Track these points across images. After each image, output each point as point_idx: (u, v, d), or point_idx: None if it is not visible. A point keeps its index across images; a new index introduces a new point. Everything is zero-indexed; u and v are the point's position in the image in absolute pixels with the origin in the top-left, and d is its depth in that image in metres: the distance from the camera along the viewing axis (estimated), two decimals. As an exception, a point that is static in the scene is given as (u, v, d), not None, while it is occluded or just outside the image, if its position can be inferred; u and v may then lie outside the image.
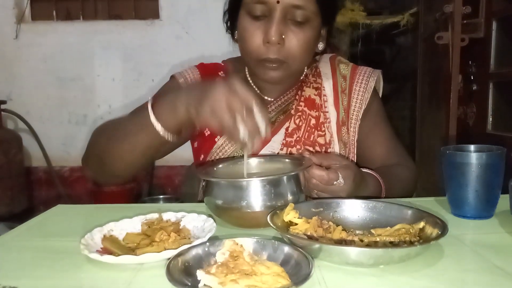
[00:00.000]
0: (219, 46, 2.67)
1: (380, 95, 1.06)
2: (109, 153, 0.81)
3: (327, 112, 0.99)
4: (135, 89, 2.77)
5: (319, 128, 0.97)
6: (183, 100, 0.70)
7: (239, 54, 0.98)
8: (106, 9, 2.85)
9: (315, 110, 0.98)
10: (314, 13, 0.88)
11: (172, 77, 1.03)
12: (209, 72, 1.04)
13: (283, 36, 0.86)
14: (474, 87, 2.17)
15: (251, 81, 1.02)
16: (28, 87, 2.78)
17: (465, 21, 2.03)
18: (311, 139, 0.96)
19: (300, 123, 0.97)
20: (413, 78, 2.80)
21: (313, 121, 0.98)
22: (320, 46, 0.97)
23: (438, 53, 2.21)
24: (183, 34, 2.75)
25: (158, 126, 0.72)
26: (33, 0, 2.81)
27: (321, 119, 0.98)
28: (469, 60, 2.17)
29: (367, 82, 1.01)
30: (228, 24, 0.99)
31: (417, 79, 2.63)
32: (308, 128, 0.97)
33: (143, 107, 0.76)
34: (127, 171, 0.84)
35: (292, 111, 0.98)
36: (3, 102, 2.55)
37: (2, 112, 2.51)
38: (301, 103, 0.99)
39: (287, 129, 0.97)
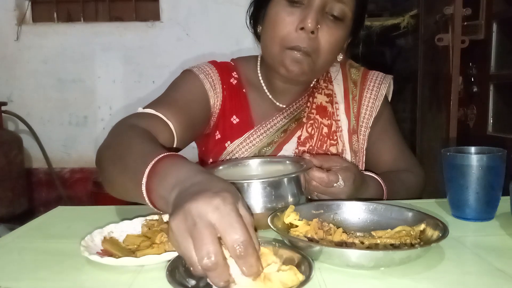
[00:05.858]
0: (220, 48, 2.70)
1: (390, 99, 1.05)
2: (113, 181, 0.72)
3: (339, 120, 0.97)
4: (136, 90, 2.77)
5: (331, 137, 0.95)
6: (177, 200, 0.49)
7: (242, 55, 0.96)
8: (107, 11, 2.86)
9: (327, 118, 0.96)
10: (351, 11, 0.86)
11: (189, 71, 0.95)
12: (223, 71, 0.98)
13: (318, 26, 0.83)
14: (475, 89, 2.17)
15: (264, 85, 0.98)
16: (29, 89, 2.78)
17: (465, 23, 2.04)
18: (324, 148, 0.94)
19: (313, 132, 0.95)
20: (413, 80, 2.80)
21: (325, 130, 0.96)
22: (340, 57, 0.94)
23: (438, 55, 2.21)
24: (184, 36, 2.75)
25: (148, 203, 0.58)
26: (34, 2, 2.82)
27: (333, 128, 0.96)
28: (470, 62, 2.17)
29: (378, 89, 0.99)
30: (253, 16, 0.94)
31: (418, 81, 2.63)
32: (321, 136, 0.95)
33: (148, 158, 0.58)
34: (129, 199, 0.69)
35: (304, 119, 0.96)
36: (4, 103, 2.55)
37: (3, 114, 2.51)
38: (313, 111, 0.97)
39: (299, 137, 0.95)
